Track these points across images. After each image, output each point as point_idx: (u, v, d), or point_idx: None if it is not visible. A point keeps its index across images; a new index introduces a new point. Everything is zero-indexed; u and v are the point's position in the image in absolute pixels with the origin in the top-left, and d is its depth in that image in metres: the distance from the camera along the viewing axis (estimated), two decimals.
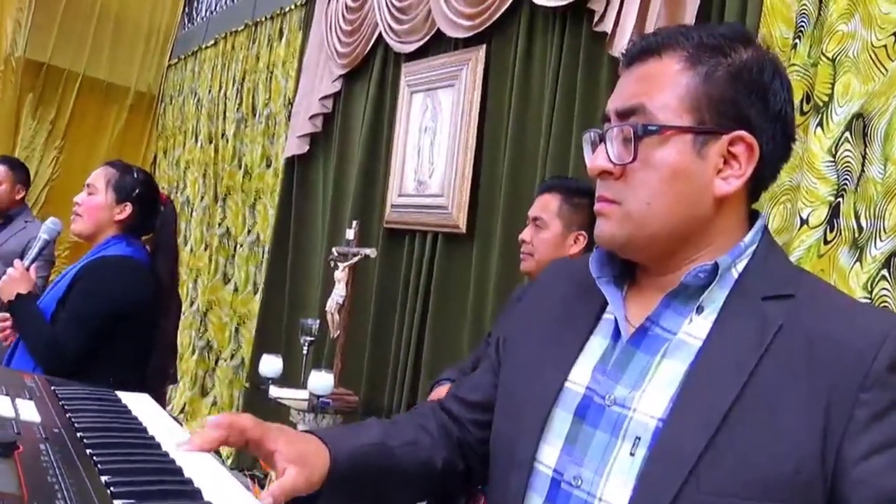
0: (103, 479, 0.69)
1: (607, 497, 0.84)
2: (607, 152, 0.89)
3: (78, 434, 0.81)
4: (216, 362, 4.96)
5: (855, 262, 1.94)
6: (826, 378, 0.79)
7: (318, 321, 3.28)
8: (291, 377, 3.38)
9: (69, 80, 6.36)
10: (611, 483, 0.84)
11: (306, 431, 0.95)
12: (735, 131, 0.86)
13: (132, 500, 0.65)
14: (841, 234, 1.98)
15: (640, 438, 0.84)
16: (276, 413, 3.28)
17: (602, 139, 0.90)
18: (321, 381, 2.96)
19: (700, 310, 0.88)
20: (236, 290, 4.84)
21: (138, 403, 1.05)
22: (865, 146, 1.97)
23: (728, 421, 0.79)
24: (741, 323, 0.84)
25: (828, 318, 0.83)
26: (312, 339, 3.25)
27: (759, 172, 0.88)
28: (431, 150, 3.37)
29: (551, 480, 0.89)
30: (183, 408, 5.00)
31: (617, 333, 0.92)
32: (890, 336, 0.80)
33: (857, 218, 1.96)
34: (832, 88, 2.02)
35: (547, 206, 2.17)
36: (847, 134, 2.00)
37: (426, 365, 3.13)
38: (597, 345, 0.93)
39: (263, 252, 4.49)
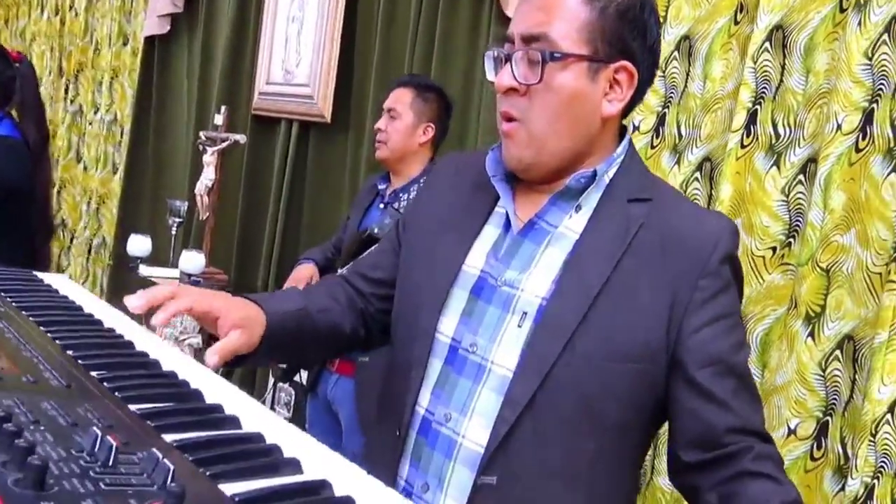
0: (69, 352, 0.71)
1: (499, 361, 0.96)
2: (513, 72, 0.95)
3: (24, 313, 0.81)
4: (71, 241, 4.69)
5: (674, 165, 2.16)
6: (674, 267, 0.94)
7: (186, 203, 3.18)
8: (158, 257, 3.29)
9: None
10: (501, 349, 0.96)
11: (243, 297, 0.99)
12: (620, 61, 0.96)
13: (103, 371, 0.68)
14: (665, 140, 2.18)
15: (526, 313, 0.95)
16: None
17: (507, 59, 0.96)
18: (193, 260, 2.91)
19: (578, 208, 0.99)
20: (86, 168, 4.54)
21: (62, 284, 1.03)
22: (689, 65, 2.16)
23: (598, 300, 0.93)
24: (610, 220, 0.97)
25: (677, 219, 0.98)
26: (181, 220, 3.16)
27: (633, 95, 0.99)
28: (298, 40, 3.26)
29: (450, 347, 0.99)
30: None
31: (507, 225, 1.02)
32: (722, 236, 0.96)
33: (679, 126, 2.17)
34: (666, 12, 2.17)
35: (400, 98, 2.25)
36: (675, 53, 2.17)
37: (301, 246, 3.16)
38: (489, 234, 1.03)
39: (122, 132, 4.22)
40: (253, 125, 3.46)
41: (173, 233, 3.17)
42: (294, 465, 0.56)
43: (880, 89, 1.79)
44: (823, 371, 1.82)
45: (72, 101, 4.67)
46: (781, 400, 1.83)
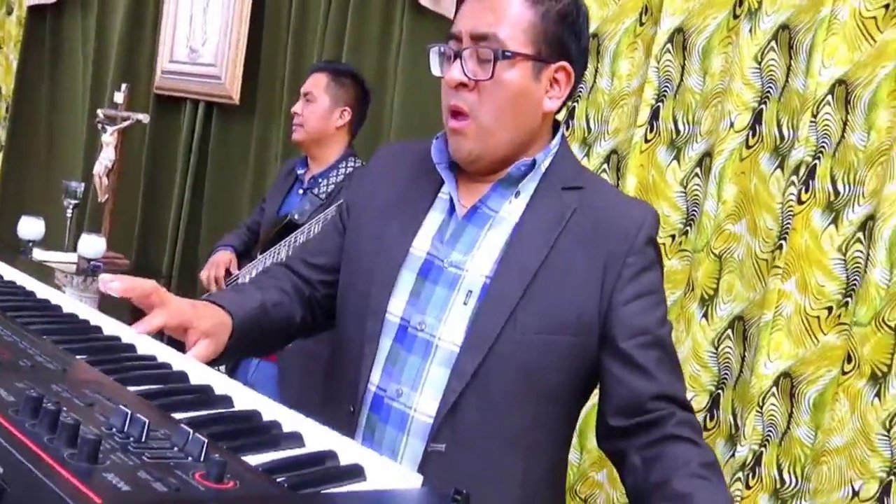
0: (45, 337, 0.71)
1: (446, 337, 1.02)
2: (463, 68, 1.01)
3: None
4: None
5: (584, 157, 2.28)
6: (604, 247, 1.03)
7: (82, 184, 3.05)
8: (51, 240, 3.14)
9: None
10: (448, 326, 1.02)
11: (206, 300, 1.01)
12: (560, 62, 1.04)
13: (87, 356, 0.69)
14: (574, 133, 2.31)
15: (471, 292, 1.03)
16: (39, 275, 3.05)
17: (456, 55, 1.02)
18: (92, 244, 2.80)
19: (517, 194, 1.08)
20: None
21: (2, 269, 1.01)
22: (598, 62, 2.28)
23: (536, 278, 1.01)
24: (546, 206, 1.06)
25: (606, 205, 1.08)
26: (77, 202, 3.03)
27: (569, 93, 1.08)
28: (204, 17, 3.19)
29: (399, 326, 1.05)
30: None
31: (451, 210, 1.09)
32: (647, 219, 1.07)
33: (588, 120, 2.30)
34: None
35: (317, 83, 2.29)
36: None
37: (206, 230, 3.10)
38: (434, 218, 1.10)
39: (7, 108, 3.96)
40: (155, 104, 3.35)
41: (69, 215, 3.03)
42: (297, 439, 0.60)
43: (768, 92, 1.97)
44: (716, 349, 2.00)
45: None
46: None
